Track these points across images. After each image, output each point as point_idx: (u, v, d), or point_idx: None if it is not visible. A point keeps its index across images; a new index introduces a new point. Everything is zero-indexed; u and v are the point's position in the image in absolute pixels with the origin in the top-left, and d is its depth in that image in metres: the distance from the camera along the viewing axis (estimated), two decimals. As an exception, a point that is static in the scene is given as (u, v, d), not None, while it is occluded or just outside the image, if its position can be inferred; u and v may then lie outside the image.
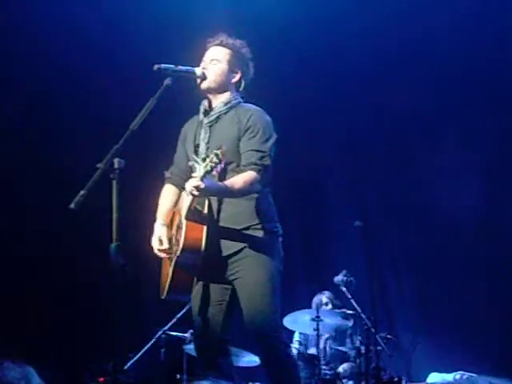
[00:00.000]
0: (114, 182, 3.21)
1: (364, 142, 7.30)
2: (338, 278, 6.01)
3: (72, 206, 3.17)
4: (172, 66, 3.66)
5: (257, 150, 3.70)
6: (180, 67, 3.70)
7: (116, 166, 3.20)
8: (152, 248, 3.85)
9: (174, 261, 3.67)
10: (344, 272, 6.03)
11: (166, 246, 3.80)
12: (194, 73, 3.80)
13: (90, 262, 5.81)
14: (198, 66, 3.86)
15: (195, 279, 3.77)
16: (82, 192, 3.17)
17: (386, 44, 6.97)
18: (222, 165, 3.42)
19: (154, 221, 3.93)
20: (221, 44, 3.91)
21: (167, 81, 3.60)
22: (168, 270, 3.74)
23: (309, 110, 7.27)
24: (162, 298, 3.80)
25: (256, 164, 3.67)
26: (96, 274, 4.48)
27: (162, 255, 3.83)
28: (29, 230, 6.51)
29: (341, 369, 5.93)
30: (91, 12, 6.58)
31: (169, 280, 3.70)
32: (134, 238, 3.97)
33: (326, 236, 7.40)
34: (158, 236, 3.85)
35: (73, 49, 6.55)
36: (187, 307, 5.64)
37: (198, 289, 3.81)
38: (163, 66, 3.64)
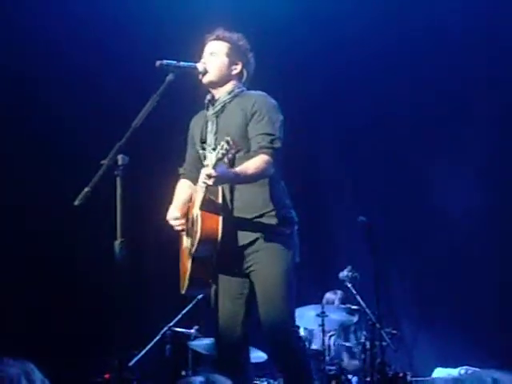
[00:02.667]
0: (118, 179, 3.22)
1: (367, 139, 7.29)
2: (343, 274, 6.01)
3: (76, 202, 3.18)
4: (174, 61, 3.66)
5: (267, 134, 3.69)
6: (182, 63, 3.71)
7: (120, 162, 3.21)
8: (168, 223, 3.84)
9: (192, 253, 3.65)
10: (349, 268, 6.02)
11: (179, 214, 3.80)
12: (195, 68, 3.81)
13: (95, 259, 5.82)
14: (199, 61, 3.87)
15: (213, 273, 3.75)
16: (86, 189, 3.19)
17: (386, 42, 6.96)
18: (233, 151, 3.42)
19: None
20: (218, 38, 3.92)
21: (169, 77, 3.59)
22: (187, 265, 3.73)
23: (311, 108, 7.27)
24: (183, 293, 3.80)
25: (267, 147, 3.66)
26: (101, 271, 4.47)
27: (179, 226, 3.81)
28: (28, 230, 6.49)
29: (344, 365, 5.95)
30: (92, 9, 6.59)
31: (188, 274, 3.70)
32: (138, 236, 3.97)
33: (330, 231, 7.40)
34: (171, 211, 3.86)
35: (74, 46, 6.56)
36: (192, 303, 5.66)
37: (216, 286, 3.78)
38: (165, 62, 3.63)
